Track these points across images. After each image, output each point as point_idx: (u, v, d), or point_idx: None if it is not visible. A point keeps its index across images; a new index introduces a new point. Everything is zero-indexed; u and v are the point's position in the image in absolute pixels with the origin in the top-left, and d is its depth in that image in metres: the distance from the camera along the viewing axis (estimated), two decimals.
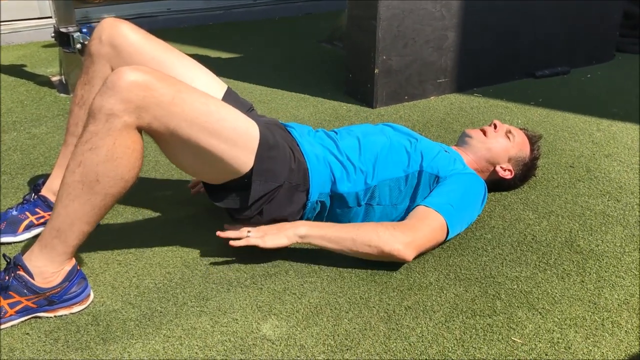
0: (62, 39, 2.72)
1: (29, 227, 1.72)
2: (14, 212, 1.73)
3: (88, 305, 1.47)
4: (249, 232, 1.59)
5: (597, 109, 2.77)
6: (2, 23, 3.69)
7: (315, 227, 1.61)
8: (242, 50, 3.64)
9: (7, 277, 1.38)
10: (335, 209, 1.71)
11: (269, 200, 1.59)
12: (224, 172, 1.52)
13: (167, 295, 1.52)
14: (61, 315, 1.44)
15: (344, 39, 3.54)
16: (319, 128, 1.86)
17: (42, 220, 1.74)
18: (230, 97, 1.71)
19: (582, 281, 1.60)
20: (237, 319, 1.45)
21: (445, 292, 1.55)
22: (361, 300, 1.52)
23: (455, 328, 1.43)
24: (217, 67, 3.37)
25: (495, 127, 1.94)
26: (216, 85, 1.74)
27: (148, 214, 1.89)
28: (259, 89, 3.00)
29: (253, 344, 1.37)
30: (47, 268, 1.39)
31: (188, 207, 1.91)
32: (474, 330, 1.43)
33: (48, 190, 1.75)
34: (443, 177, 1.72)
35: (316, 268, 1.64)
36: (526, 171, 1.99)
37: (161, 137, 1.41)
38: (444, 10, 2.74)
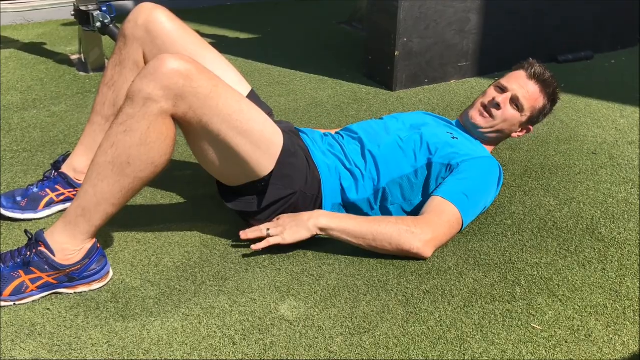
0: (82, 18, 2.71)
1: (49, 204, 1.73)
2: (35, 189, 1.74)
3: (107, 283, 1.48)
4: (268, 230, 1.56)
5: (621, 95, 2.72)
6: (21, 1, 3.69)
7: (335, 218, 1.58)
8: (261, 31, 3.62)
9: (28, 253, 1.39)
10: (350, 211, 1.69)
11: (283, 208, 1.59)
12: (243, 172, 1.51)
13: (185, 274, 1.53)
14: (81, 292, 1.45)
15: (364, 21, 3.50)
16: (327, 132, 1.85)
17: (62, 198, 1.75)
18: (253, 99, 1.70)
19: (604, 269, 1.59)
20: (255, 299, 1.45)
21: (464, 277, 1.54)
22: (379, 283, 1.51)
23: (474, 313, 1.42)
24: (236, 48, 3.36)
25: (499, 106, 1.78)
26: (242, 85, 1.74)
27: (167, 193, 1.90)
28: (278, 70, 2.98)
29: (271, 324, 1.37)
30: (68, 245, 1.40)
31: (207, 187, 1.91)
32: (493, 315, 1.42)
33: (69, 168, 1.76)
34: (455, 165, 1.67)
35: (334, 250, 1.63)
36: (548, 113, 1.88)
37: (191, 129, 1.41)
38: None
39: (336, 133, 1.84)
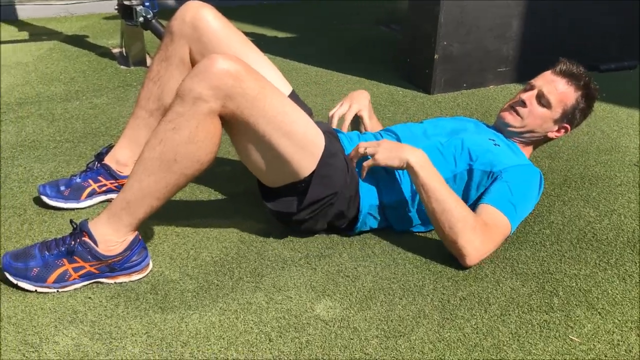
0: (126, 12, 2.76)
1: (91, 195, 1.77)
2: (78, 180, 1.77)
3: (147, 274, 1.50)
4: (366, 148, 1.60)
5: None
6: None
7: (426, 169, 1.56)
8: (298, 30, 3.64)
9: (72, 242, 1.42)
10: (388, 217, 1.69)
11: (322, 209, 1.59)
12: (286, 173, 1.52)
13: (223, 269, 1.55)
14: (121, 282, 1.47)
15: (403, 23, 3.49)
16: (366, 132, 1.85)
17: (104, 189, 1.78)
18: (294, 99, 1.71)
19: None
20: (291, 297, 1.46)
21: (501, 285, 1.53)
22: (415, 287, 1.51)
23: (511, 322, 1.41)
24: (274, 46, 3.38)
25: (524, 104, 1.75)
26: (283, 86, 1.75)
27: (206, 188, 1.92)
28: (314, 70, 2.99)
29: (307, 323, 1.38)
30: (111, 237, 1.43)
31: (246, 184, 1.93)
32: (530, 325, 1.40)
33: (111, 159, 1.79)
34: (498, 172, 1.65)
35: (370, 253, 1.63)
36: (584, 110, 1.79)
37: (237, 128, 1.43)
38: None
39: (376, 133, 1.84)
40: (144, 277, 1.50)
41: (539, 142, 1.84)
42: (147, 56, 2.98)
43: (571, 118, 1.78)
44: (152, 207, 1.42)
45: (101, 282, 1.47)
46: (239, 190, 1.91)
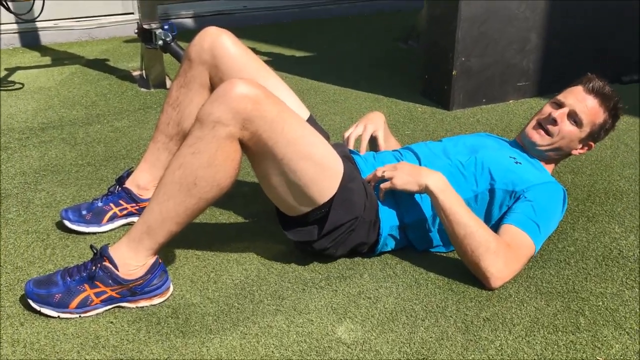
0: (145, 35, 2.80)
1: (112, 219, 1.78)
2: (99, 204, 1.79)
3: (168, 298, 1.51)
4: (383, 172, 1.60)
5: None
6: (88, 18, 3.84)
7: (446, 192, 1.55)
8: (316, 49, 3.66)
9: (93, 267, 1.44)
10: (409, 236, 1.68)
11: (343, 234, 1.58)
12: (306, 198, 1.51)
13: (244, 292, 1.54)
14: (142, 307, 1.48)
15: (421, 39, 3.49)
16: (381, 151, 1.85)
17: (124, 212, 1.79)
18: (311, 124, 1.71)
19: None
20: (312, 320, 1.45)
21: (525, 305, 1.50)
22: (437, 308, 1.49)
23: (536, 343, 1.38)
24: (291, 65, 3.40)
25: (555, 122, 1.72)
26: (301, 110, 1.76)
27: (226, 211, 1.93)
28: (333, 88, 3.00)
29: (328, 347, 1.37)
30: (131, 261, 1.44)
31: (265, 206, 1.92)
32: (556, 346, 1.37)
33: (132, 183, 1.80)
34: (520, 191, 1.63)
35: (391, 273, 1.62)
36: (610, 129, 1.78)
37: (257, 153, 1.43)
38: (528, 11, 2.65)
39: (395, 151, 1.83)
40: (164, 300, 1.50)
41: (561, 158, 1.82)
42: (167, 78, 3.01)
43: (596, 137, 1.77)
44: (172, 232, 1.43)
45: (122, 307, 1.47)
46: (258, 212, 1.92)
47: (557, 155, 1.79)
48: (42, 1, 2.88)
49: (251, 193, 2.03)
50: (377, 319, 1.45)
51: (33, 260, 1.65)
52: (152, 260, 1.47)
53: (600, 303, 1.51)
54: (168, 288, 1.51)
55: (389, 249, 1.68)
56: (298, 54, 3.57)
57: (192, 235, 1.75)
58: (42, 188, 2.02)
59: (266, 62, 1.82)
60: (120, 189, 1.82)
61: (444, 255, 1.71)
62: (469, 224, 1.52)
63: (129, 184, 1.81)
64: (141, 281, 1.45)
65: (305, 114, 1.77)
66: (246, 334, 1.40)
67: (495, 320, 1.45)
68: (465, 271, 1.58)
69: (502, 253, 1.52)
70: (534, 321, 1.45)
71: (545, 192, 1.64)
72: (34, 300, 1.42)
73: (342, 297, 1.53)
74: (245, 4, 4.20)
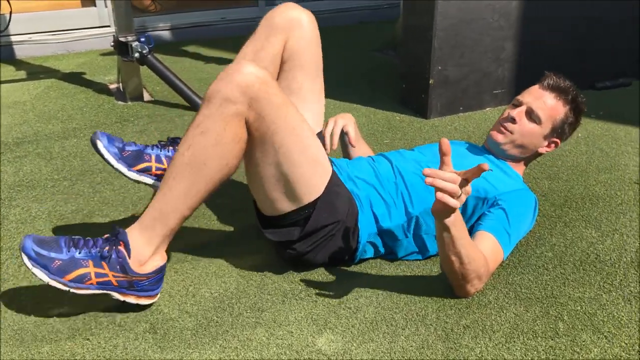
0: (122, 48, 2.79)
1: (144, 171, 1.65)
2: (145, 150, 1.66)
3: (152, 303, 1.49)
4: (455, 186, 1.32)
5: None
6: (64, 32, 3.81)
7: (457, 227, 1.39)
8: None
9: (107, 248, 1.40)
10: (387, 243, 1.67)
11: (323, 237, 1.58)
12: (292, 194, 1.51)
13: (222, 305, 1.53)
14: (128, 302, 1.45)
15: (398, 49, 3.51)
16: (355, 158, 1.85)
17: (159, 172, 1.67)
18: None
19: None
20: (292, 332, 1.44)
21: (505, 311, 1.51)
22: (418, 317, 1.49)
23: (516, 349, 1.39)
24: None
25: (514, 120, 1.73)
26: (318, 123, 1.82)
27: (204, 222, 1.91)
28: None
29: (309, 358, 1.36)
30: (143, 249, 1.43)
31: (244, 216, 1.92)
32: (535, 352, 1.38)
33: None
34: (493, 197, 1.64)
35: (371, 282, 1.62)
36: (573, 124, 1.78)
37: (257, 137, 1.44)
38: (502, 20, 2.69)
39: (368, 157, 1.83)
40: (150, 304, 1.48)
41: (530, 158, 1.83)
42: (144, 91, 2.99)
43: (560, 132, 1.77)
44: (183, 216, 1.44)
45: (110, 295, 1.43)
46: (237, 224, 1.90)
47: (523, 154, 1.78)
48: (9, 14, 2.85)
49: (229, 204, 2.01)
50: (357, 329, 1.45)
51: (7, 277, 1.62)
52: (162, 262, 1.47)
53: (579, 308, 1.52)
54: (157, 294, 1.49)
55: (368, 256, 1.68)
56: None
57: (170, 249, 1.73)
58: (16, 204, 1.99)
59: None
60: (171, 148, 1.70)
61: (423, 262, 1.71)
62: (467, 255, 1.45)
63: None
64: (145, 278, 1.44)
65: (318, 128, 1.79)
66: (225, 348, 1.38)
67: (476, 328, 1.45)
68: (444, 278, 1.58)
69: (485, 276, 1.53)
70: (514, 327, 1.45)
71: (518, 200, 1.66)
72: (30, 258, 1.35)
73: (322, 307, 1.52)
74: (223, 16, 4.20)
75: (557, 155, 2.36)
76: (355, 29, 4.41)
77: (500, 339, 1.42)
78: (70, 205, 1.98)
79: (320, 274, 1.65)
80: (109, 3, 3.75)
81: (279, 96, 1.42)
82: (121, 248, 1.41)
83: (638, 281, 1.62)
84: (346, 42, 4.04)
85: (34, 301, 1.52)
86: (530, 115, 1.73)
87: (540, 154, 1.81)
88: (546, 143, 1.77)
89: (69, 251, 1.39)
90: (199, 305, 1.53)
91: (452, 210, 1.35)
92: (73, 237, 1.43)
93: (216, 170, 1.42)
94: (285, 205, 1.54)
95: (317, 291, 1.58)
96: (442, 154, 1.32)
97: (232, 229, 1.89)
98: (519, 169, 1.80)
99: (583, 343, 1.41)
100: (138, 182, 1.66)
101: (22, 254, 1.36)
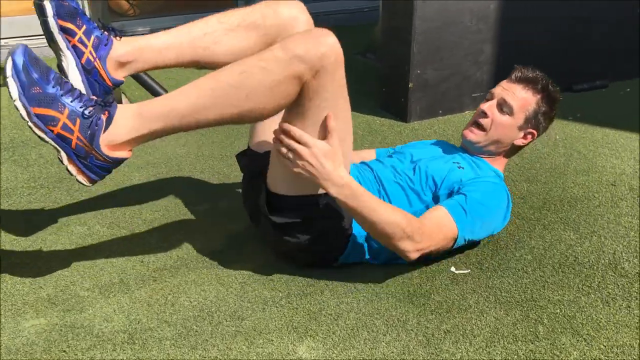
0: None
1: (66, 32, 1.44)
2: (82, 14, 1.45)
3: (86, 185, 1.38)
4: (291, 144, 1.43)
5: (638, 123, 2.69)
6: (40, 36, 3.75)
7: (350, 199, 1.45)
8: None
9: (90, 108, 1.30)
10: (373, 247, 1.66)
11: (322, 230, 1.58)
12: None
13: (202, 314, 1.51)
14: (68, 170, 1.34)
15: (378, 52, 3.52)
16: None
17: (78, 50, 1.44)
18: None
19: (629, 306, 1.55)
20: (272, 340, 1.43)
21: (485, 315, 1.51)
22: (399, 322, 1.49)
23: (497, 354, 1.39)
24: None
25: (486, 114, 1.75)
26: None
27: (183, 229, 1.89)
28: None
29: None
30: (121, 132, 1.33)
31: (223, 224, 1.90)
32: (516, 356, 1.38)
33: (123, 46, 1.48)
34: (459, 186, 1.66)
35: (352, 288, 1.61)
36: (548, 113, 1.78)
37: (303, 105, 1.41)
38: (480, 23, 2.70)
39: (353, 165, 1.83)
40: (85, 185, 1.37)
41: (508, 151, 1.83)
42: (123, 96, 2.96)
43: (535, 123, 1.78)
44: (185, 125, 1.35)
45: (58, 153, 1.32)
46: (217, 231, 1.89)
47: (500, 149, 1.79)
48: None
49: (209, 211, 2.00)
50: (338, 336, 1.44)
51: None
52: (126, 155, 1.37)
53: (558, 310, 1.53)
54: (96, 181, 1.38)
55: (352, 260, 1.68)
56: None
57: (148, 257, 1.72)
58: None
59: None
60: (109, 37, 1.45)
61: (404, 266, 1.71)
62: (376, 214, 1.47)
63: (116, 44, 1.46)
64: (102, 159, 1.34)
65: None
66: (205, 358, 1.37)
67: (456, 332, 1.45)
68: (425, 282, 1.59)
69: (417, 234, 1.50)
70: (494, 332, 1.46)
71: (482, 186, 1.66)
72: (14, 66, 1.23)
73: (302, 314, 1.51)
74: None
75: (536, 158, 2.38)
76: (336, 32, 4.39)
77: (480, 344, 1.42)
78: (47, 213, 1.95)
79: (301, 281, 1.64)
80: (86, 6, 3.70)
81: (343, 80, 1.42)
82: (103, 117, 1.31)
83: (616, 283, 1.64)
84: None
85: (10, 310, 1.49)
86: (502, 107, 1.75)
87: (519, 147, 1.82)
88: (522, 134, 1.78)
89: (55, 87, 1.28)
90: (178, 314, 1.51)
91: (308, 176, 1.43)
92: (66, 80, 1.34)
93: (250, 108, 1.36)
94: (300, 188, 1.52)
95: (298, 298, 1.57)
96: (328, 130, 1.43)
97: (211, 237, 1.87)
98: (497, 163, 1.81)
99: (563, 346, 1.41)
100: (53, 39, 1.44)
101: (10, 58, 1.24)
